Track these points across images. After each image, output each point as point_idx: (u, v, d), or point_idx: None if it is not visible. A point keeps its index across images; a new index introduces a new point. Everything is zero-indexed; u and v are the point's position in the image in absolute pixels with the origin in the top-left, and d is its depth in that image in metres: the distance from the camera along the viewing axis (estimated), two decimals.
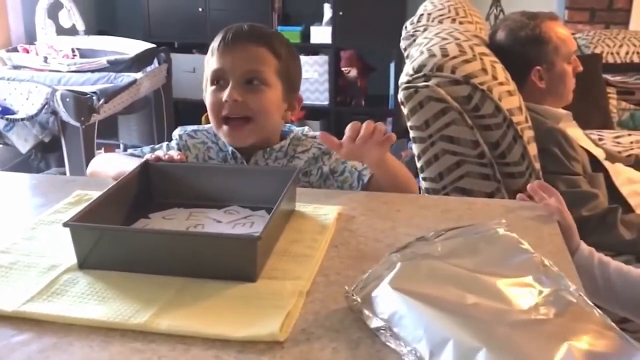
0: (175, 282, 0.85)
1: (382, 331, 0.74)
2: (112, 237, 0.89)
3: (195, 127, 1.41)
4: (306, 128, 1.41)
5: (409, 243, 0.89)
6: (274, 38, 1.32)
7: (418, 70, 1.56)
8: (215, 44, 1.31)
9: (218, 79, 1.29)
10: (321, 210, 1.08)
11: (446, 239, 0.90)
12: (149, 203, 1.08)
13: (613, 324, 0.74)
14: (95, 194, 1.00)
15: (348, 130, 1.12)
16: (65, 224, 0.88)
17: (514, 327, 0.72)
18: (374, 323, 0.76)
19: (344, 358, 0.71)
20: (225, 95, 1.26)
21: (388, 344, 0.73)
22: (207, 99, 1.31)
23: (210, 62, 1.31)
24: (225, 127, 1.29)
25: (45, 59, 3.10)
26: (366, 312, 0.77)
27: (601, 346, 0.71)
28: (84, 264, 0.88)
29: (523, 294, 0.78)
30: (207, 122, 1.36)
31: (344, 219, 1.06)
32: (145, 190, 1.10)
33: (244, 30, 1.30)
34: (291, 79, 1.34)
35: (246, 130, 1.28)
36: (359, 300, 0.79)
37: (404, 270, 0.81)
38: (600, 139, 2.20)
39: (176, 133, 1.39)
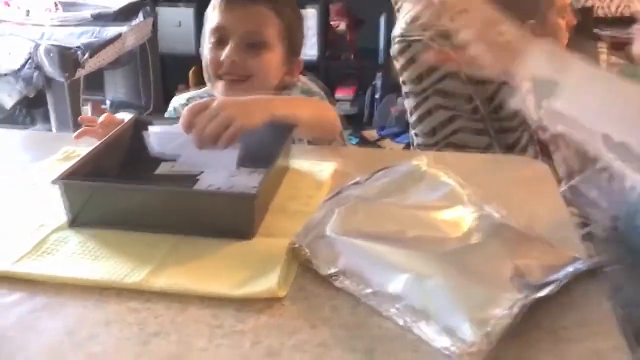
0: (170, 239, 0.83)
1: (335, 277, 0.74)
2: (105, 194, 0.86)
3: (188, 94, 1.38)
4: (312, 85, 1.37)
5: (342, 188, 0.91)
6: None
7: (412, 22, 1.52)
8: None
9: (218, 36, 1.25)
10: (317, 167, 1.06)
11: (375, 181, 0.93)
12: (141, 159, 1.05)
13: (542, 237, 0.80)
14: (84, 151, 0.97)
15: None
16: (54, 181, 0.85)
17: (458, 253, 0.76)
18: (326, 270, 0.75)
19: (343, 316, 0.70)
20: (223, 54, 1.23)
21: (345, 289, 0.73)
22: (205, 55, 1.28)
23: (211, 17, 1.27)
24: (220, 83, 1.26)
25: (27, 12, 3.01)
26: (315, 261, 0.77)
27: (543, 259, 0.75)
28: (74, 222, 0.86)
29: (455, 223, 0.82)
30: (195, 77, 1.32)
31: (340, 175, 1.04)
32: (137, 146, 1.07)
33: None
34: (293, 42, 1.30)
35: (242, 87, 1.24)
36: (307, 251, 0.78)
37: (342, 215, 0.83)
38: None
39: (171, 105, 1.36)
